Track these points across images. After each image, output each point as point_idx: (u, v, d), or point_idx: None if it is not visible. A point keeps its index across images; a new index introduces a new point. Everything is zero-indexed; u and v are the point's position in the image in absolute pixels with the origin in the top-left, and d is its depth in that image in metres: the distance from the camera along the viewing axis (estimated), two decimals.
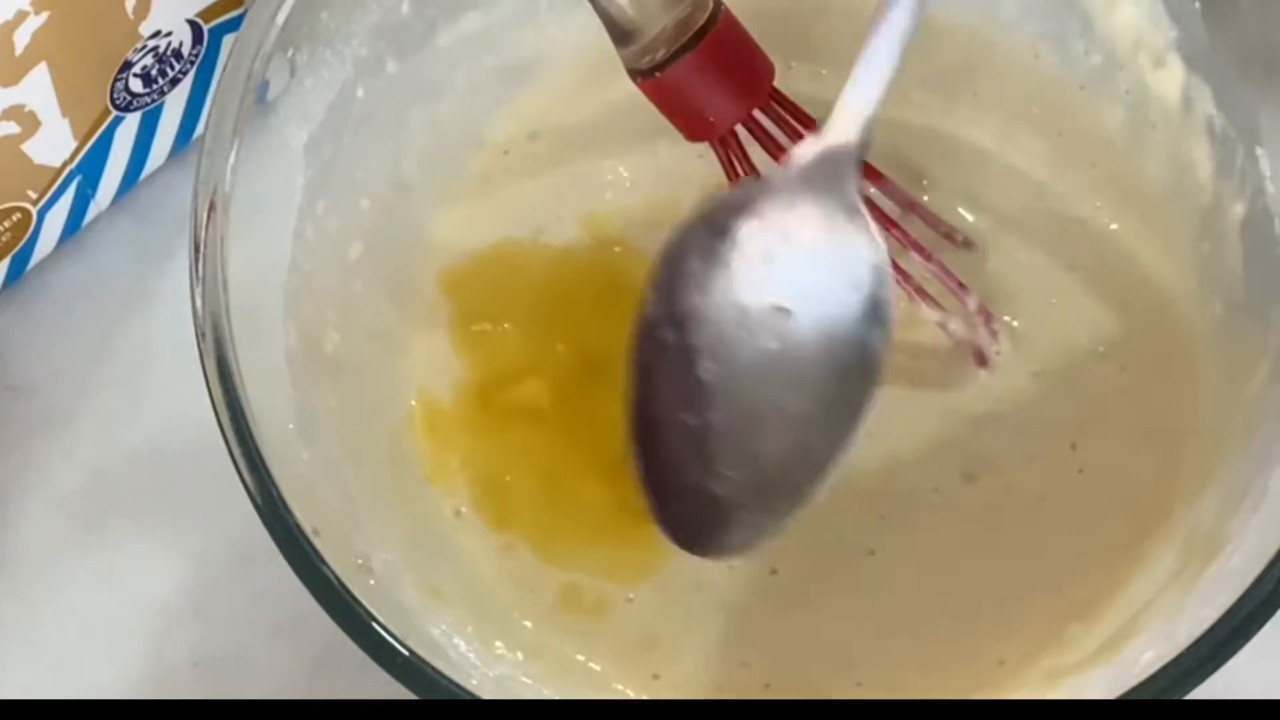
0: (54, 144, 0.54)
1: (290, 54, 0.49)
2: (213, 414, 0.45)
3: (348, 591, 0.43)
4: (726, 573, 0.51)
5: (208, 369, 0.45)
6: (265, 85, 0.48)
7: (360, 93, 0.52)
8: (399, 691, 0.43)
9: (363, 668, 0.43)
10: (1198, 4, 0.52)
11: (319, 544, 0.43)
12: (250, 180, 0.47)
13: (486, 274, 0.55)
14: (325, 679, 0.53)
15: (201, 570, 0.54)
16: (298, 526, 0.43)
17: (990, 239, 0.54)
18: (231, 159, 0.47)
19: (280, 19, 0.48)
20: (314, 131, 0.50)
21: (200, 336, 0.45)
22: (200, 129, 0.58)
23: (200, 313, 0.46)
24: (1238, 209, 0.51)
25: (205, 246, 0.46)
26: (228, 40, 0.56)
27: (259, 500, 0.44)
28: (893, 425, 0.52)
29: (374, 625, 0.43)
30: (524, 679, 0.49)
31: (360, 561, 0.46)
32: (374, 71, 0.52)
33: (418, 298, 0.55)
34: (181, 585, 0.54)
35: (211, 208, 0.46)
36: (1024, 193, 0.55)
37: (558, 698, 0.49)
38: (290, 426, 0.47)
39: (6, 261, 0.56)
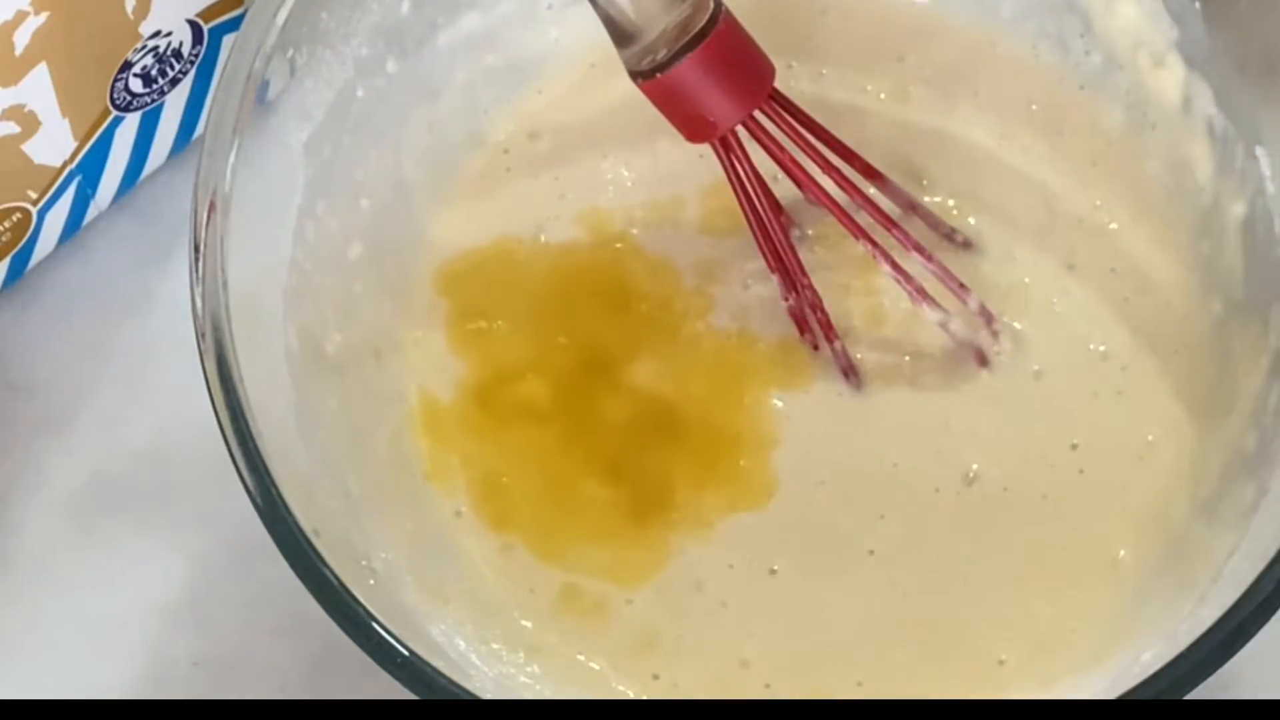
0: (54, 144, 0.54)
1: (290, 54, 0.49)
2: (213, 414, 0.45)
3: (348, 591, 0.43)
4: (726, 573, 0.51)
5: (208, 369, 0.45)
6: (265, 85, 0.48)
7: (360, 93, 0.52)
8: (399, 691, 0.43)
9: (363, 668, 0.43)
10: (1198, 4, 0.52)
11: (319, 544, 0.43)
12: (250, 180, 0.47)
13: (486, 273, 0.55)
14: (325, 679, 0.53)
15: (201, 570, 0.54)
16: (298, 526, 0.43)
17: (990, 239, 0.54)
18: (231, 159, 0.47)
19: (280, 19, 0.48)
20: (314, 131, 0.50)
21: (200, 336, 0.45)
22: (200, 129, 0.58)
23: (200, 313, 0.46)
24: (1237, 208, 0.51)
25: (205, 246, 0.46)
26: (228, 40, 0.56)
27: (259, 500, 0.44)
28: (893, 425, 0.52)
29: (374, 625, 0.43)
30: (524, 679, 0.49)
31: (361, 562, 0.46)
32: (374, 71, 0.52)
33: (418, 297, 0.55)
34: (181, 585, 0.54)
35: (211, 208, 0.46)
36: (1024, 193, 0.55)
37: (558, 698, 0.49)
38: (290, 426, 0.47)
39: (6, 261, 0.56)
